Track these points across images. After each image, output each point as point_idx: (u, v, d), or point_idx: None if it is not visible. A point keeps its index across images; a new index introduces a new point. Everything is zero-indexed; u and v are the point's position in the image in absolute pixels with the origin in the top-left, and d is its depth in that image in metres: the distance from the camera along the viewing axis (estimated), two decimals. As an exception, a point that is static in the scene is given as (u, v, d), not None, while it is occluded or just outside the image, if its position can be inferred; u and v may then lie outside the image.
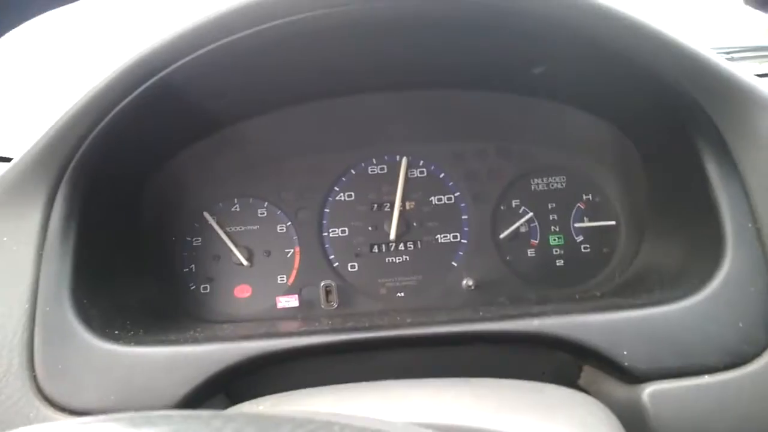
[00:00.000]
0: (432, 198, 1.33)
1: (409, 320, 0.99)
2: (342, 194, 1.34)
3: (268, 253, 1.31)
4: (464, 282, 1.27)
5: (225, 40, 0.87)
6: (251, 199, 1.33)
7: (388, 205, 1.33)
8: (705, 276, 0.87)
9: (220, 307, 1.29)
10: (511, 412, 0.69)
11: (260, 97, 1.18)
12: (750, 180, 0.89)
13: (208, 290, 1.30)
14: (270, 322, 1.25)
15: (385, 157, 1.34)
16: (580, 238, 1.30)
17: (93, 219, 0.99)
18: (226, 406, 0.90)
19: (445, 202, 1.33)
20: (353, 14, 0.87)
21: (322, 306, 1.27)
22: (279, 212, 1.33)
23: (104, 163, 0.98)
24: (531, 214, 1.32)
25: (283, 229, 1.32)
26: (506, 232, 1.31)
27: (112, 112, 0.92)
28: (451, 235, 1.32)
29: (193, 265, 1.30)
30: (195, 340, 0.92)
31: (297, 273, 1.31)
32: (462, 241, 1.32)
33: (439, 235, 1.32)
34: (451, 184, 1.33)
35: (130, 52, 0.90)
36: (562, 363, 0.93)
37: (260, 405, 0.81)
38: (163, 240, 1.28)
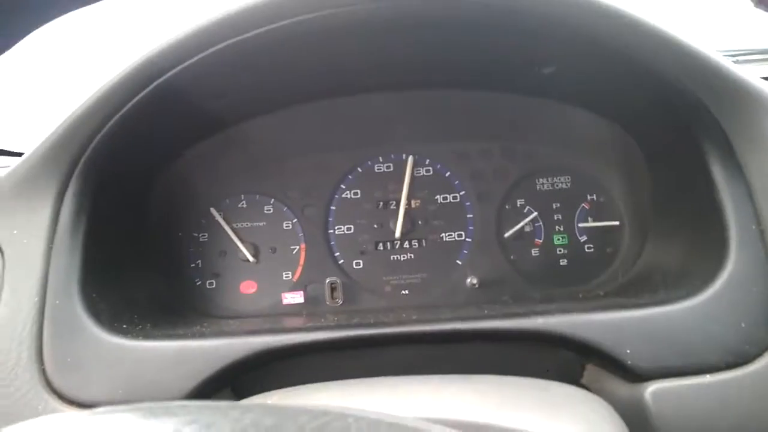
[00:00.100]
0: (437, 197, 1.34)
1: (414, 317, 1.00)
2: (348, 192, 1.34)
3: (274, 250, 1.32)
4: (468, 280, 1.28)
5: (232, 41, 0.88)
6: (258, 196, 1.34)
7: (394, 203, 1.33)
8: (708, 276, 0.88)
9: (226, 303, 1.30)
10: (515, 409, 0.69)
11: (268, 96, 1.19)
12: (754, 182, 0.90)
13: (214, 286, 1.31)
14: (275, 318, 1.26)
15: (392, 156, 1.35)
16: (584, 238, 1.31)
17: (102, 214, 1.00)
18: (231, 401, 0.92)
19: (450, 201, 1.34)
20: (359, 14, 0.88)
21: (327, 303, 1.27)
22: (285, 209, 1.33)
23: (114, 160, 0.99)
24: (535, 213, 1.32)
25: (289, 226, 1.33)
26: (511, 231, 1.31)
27: (122, 110, 0.93)
28: (456, 233, 1.33)
29: (199, 261, 1.31)
30: (202, 335, 0.93)
31: (302, 270, 1.32)
32: (467, 239, 1.32)
33: (444, 234, 1.33)
34: (456, 183, 1.34)
35: (140, 51, 0.91)
36: (565, 361, 0.94)
37: (268, 399, 0.81)
38: (171, 236, 1.29)
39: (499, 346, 0.97)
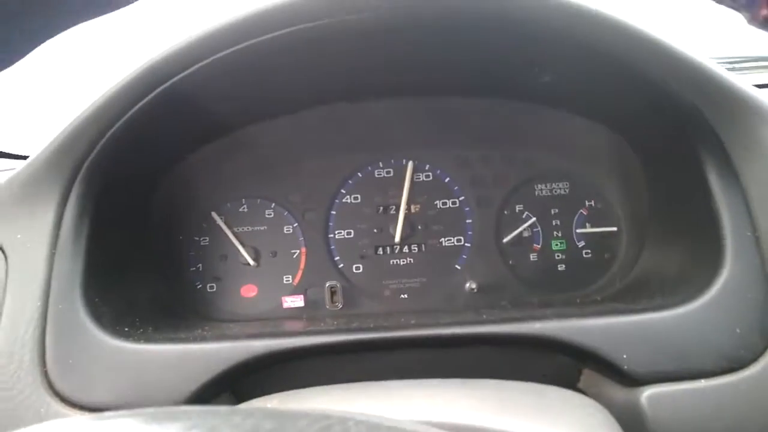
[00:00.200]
0: (437, 202, 1.35)
1: (413, 321, 1.00)
2: (348, 197, 1.35)
3: (275, 254, 1.33)
4: (467, 285, 1.29)
5: (238, 47, 0.89)
6: (259, 200, 1.35)
7: (394, 208, 1.34)
8: (704, 283, 0.89)
9: (227, 306, 1.31)
10: (511, 413, 0.70)
11: (271, 102, 1.20)
12: (750, 189, 0.91)
13: (214, 289, 1.32)
14: (275, 321, 1.27)
15: (392, 161, 1.36)
16: (581, 244, 1.32)
17: (105, 218, 1.01)
18: (232, 404, 0.92)
19: (449, 206, 1.35)
20: (361, 23, 0.89)
21: (327, 306, 1.28)
22: (286, 213, 1.34)
23: (117, 164, 1.00)
24: (534, 219, 1.33)
25: (289, 230, 1.34)
26: (509, 237, 1.32)
27: (127, 115, 0.94)
28: (455, 238, 1.34)
29: (200, 265, 1.32)
30: (203, 339, 0.94)
31: (303, 273, 1.32)
32: (466, 244, 1.33)
33: (443, 239, 1.34)
34: (456, 188, 1.35)
35: (146, 56, 0.92)
36: (562, 366, 0.95)
37: (268, 403, 0.82)
38: (172, 239, 1.30)
39: (497, 350, 0.98)
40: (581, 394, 0.85)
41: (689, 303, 0.87)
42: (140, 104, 0.93)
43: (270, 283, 1.32)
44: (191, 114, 1.08)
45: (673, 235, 1.09)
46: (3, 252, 0.96)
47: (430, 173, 1.36)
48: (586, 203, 1.33)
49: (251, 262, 1.31)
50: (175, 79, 0.92)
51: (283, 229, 1.34)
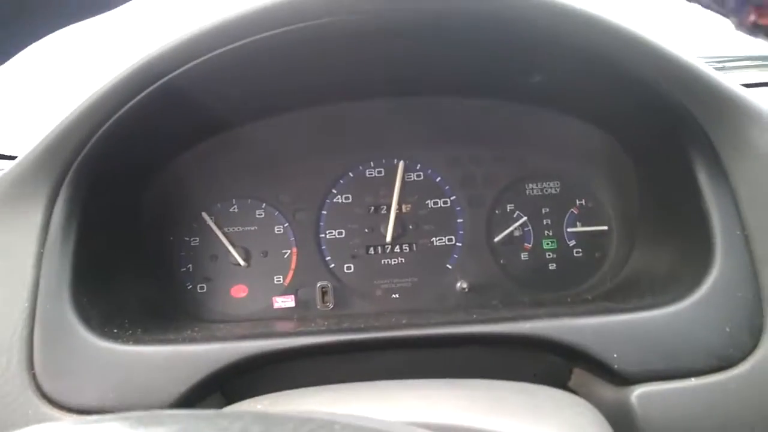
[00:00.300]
0: (428, 201, 1.35)
1: (403, 321, 1.00)
2: (339, 196, 1.35)
3: (265, 254, 1.33)
4: (458, 284, 1.29)
5: (231, 46, 0.88)
6: (249, 200, 1.34)
7: (385, 207, 1.34)
8: (694, 281, 0.89)
9: (217, 307, 1.30)
10: (501, 413, 0.70)
11: (262, 101, 1.19)
12: (739, 188, 0.91)
13: (205, 290, 1.31)
14: (266, 322, 1.27)
15: (383, 161, 1.36)
16: (572, 243, 1.32)
17: (94, 219, 1.01)
18: (221, 405, 0.92)
19: (441, 206, 1.35)
20: (355, 23, 0.89)
21: (318, 307, 1.28)
22: (277, 213, 1.34)
23: (106, 165, 1.00)
24: (525, 218, 1.33)
25: (280, 230, 1.34)
26: (500, 236, 1.32)
27: (116, 115, 0.93)
28: (446, 238, 1.34)
29: (190, 265, 1.31)
30: (192, 340, 0.93)
31: (293, 274, 1.32)
32: (457, 244, 1.33)
33: (434, 238, 1.34)
34: (447, 188, 1.35)
35: (137, 55, 0.91)
36: (553, 365, 0.95)
37: (258, 404, 0.82)
38: (162, 240, 1.29)
39: (488, 350, 0.98)
40: (572, 393, 0.85)
41: (679, 302, 0.87)
42: (132, 102, 0.92)
43: (260, 284, 1.31)
44: (182, 113, 1.08)
45: (663, 235, 1.10)
46: None
47: (421, 173, 1.36)
48: (577, 202, 1.33)
49: (242, 263, 1.31)
50: (169, 76, 0.91)
51: (273, 229, 1.34)
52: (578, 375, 0.95)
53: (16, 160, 0.99)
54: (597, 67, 0.94)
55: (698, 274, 0.89)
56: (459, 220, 1.34)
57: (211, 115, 1.17)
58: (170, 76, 0.91)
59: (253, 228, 1.33)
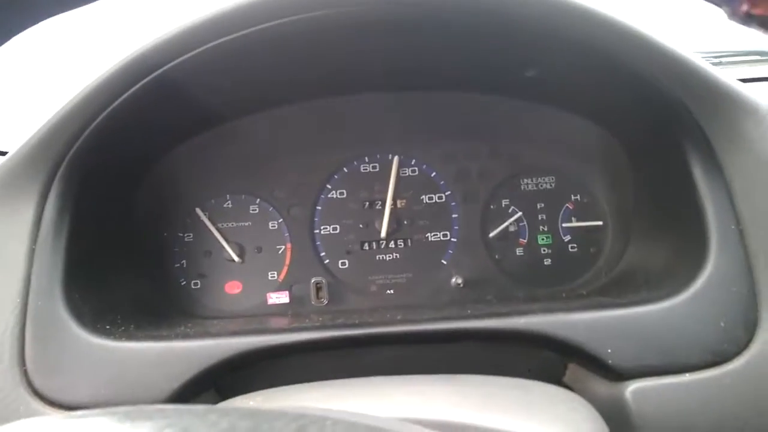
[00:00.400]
0: (423, 197, 1.34)
1: (398, 317, 1.00)
2: (334, 192, 1.34)
3: (260, 250, 1.32)
4: (453, 280, 1.28)
5: (224, 39, 0.88)
6: (244, 196, 1.33)
7: (380, 203, 1.33)
8: (689, 276, 0.89)
9: (211, 303, 1.30)
10: (495, 409, 0.70)
11: (256, 95, 1.19)
12: (734, 182, 0.91)
13: (199, 286, 1.30)
14: (260, 318, 1.26)
15: (378, 156, 1.35)
16: (567, 238, 1.32)
17: (86, 215, 1.00)
18: (215, 402, 0.92)
19: (435, 201, 1.34)
20: (351, 15, 0.88)
21: (313, 302, 1.28)
22: (271, 209, 1.33)
23: (98, 160, 0.99)
24: (520, 213, 1.33)
25: (274, 226, 1.33)
26: (495, 231, 1.32)
27: (108, 109, 0.92)
28: (441, 233, 1.33)
29: (184, 261, 1.31)
30: (186, 336, 0.93)
31: (288, 269, 1.31)
32: (452, 239, 1.33)
33: (429, 234, 1.33)
34: (442, 183, 1.34)
35: (129, 48, 0.91)
36: (547, 360, 0.95)
37: (250, 401, 0.82)
38: (155, 236, 1.28)
39: (483, 345, 0.98)
40: (565, 389, 0.84)
41: (674, 297, 0.87)
42: (126, 94, 0.92)
43: (255, 280, 1.31)
44: (176, 106, 1.07)
45: (658, 229, 1.10)
46: None
47: (416, 168, 1.35)
48: (572, 197, 1.33)
49: (236, 259, 1.30)
50: (164, 68, 0.90)
51: (267, 225, 1.33)
52: (573, 370, 0.95)
53: (7, 156, 0.98)
54: (592, 61, 0.94)
55: (693, 268, 0.89)
56: (454, 216, 1.33)
57: (205, 109, 1.16)
58: (165, 67, 0.90)
59: (247, 224, 1.33)
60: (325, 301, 1.28)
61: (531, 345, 0.92)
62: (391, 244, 1.33)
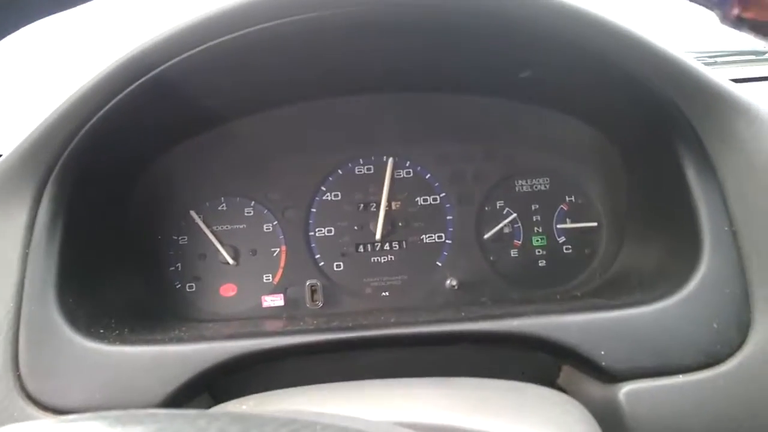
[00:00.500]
0: (418, 198, 1.34)
1: (392, 320, 1.00)
2: (329, 194, 1.34)
3: (254, 252, 1.32)
4: (448, 282, 1.28)
5: (221, 39, 0.88)
6: (238, 198, 1.33)
7: (374, 205, 1.33)
8: (682, 278, 0.89)
9: (206, 306, 1.29)
10: (488, 411, 0.70)
11: (251, 96, 1.18)
12: (727, 183, 0.91)
13: (193, 289, 1.30)
14: (255, 321, 1.26)
15: (372, 158, 1.35)
16: (562, 239, 1.32)
17: (80, 218, 1.00)
18: (209, 405, 0.91)
19: (430, 203, 1.34)
20: (348, 16, 0.88)
21: (307, 305, 1.27)
22: (266, 211, 1.33)
23: (93, 162, 0.99)
24: (515, 215, 1.33)
25: (269, 229, 1.33)
26: (490, 233, 1.32)
27: (102, 111, 0.92)
28: (436, 235, 1.33)
29: (179, 264, 1.31)
30: (180, 340, 0.92)
31: (283, 272, 1.31)
32: (446, 241, 1.33)
33: (424, 236, 1.33)
34: (436, 185, 1.35)
35: (124, 48, 0.90)
36: (541, 363, 0.95)
37: (243, 404, 0.81)
38: (150, 239, 1.28)
39: (477, 348, 0.98)
40: (559, 391, 0.84)
41: (667, 298, 0.87)
42: (122, 94, 0.91)
43: (250, 282, 1.31)
44: (171, 107, 1.07)
45: (652, 231, 1.10)
46: None
47: (411, 170, 1.35)
48: (567, 199, 1.33)
49: (230, 261, 1.30)
50: (160, 68, 0.90)
51: (262, 228, 1.33)
52: (567, 372, 0.95)
53: (1, 159, 0.98)
54: (585, 61, 0.94)
55: (686, 270, 0.89)
56: (448, 217, 1.33)
57: (200, 110, 1.16)
58: (161, 68, 0.90)
59: (241, 226, 1.33)
60: (320, 304, 1.27)
61: (525, 347, 0.92)
62: (386, 246, 1.33)
